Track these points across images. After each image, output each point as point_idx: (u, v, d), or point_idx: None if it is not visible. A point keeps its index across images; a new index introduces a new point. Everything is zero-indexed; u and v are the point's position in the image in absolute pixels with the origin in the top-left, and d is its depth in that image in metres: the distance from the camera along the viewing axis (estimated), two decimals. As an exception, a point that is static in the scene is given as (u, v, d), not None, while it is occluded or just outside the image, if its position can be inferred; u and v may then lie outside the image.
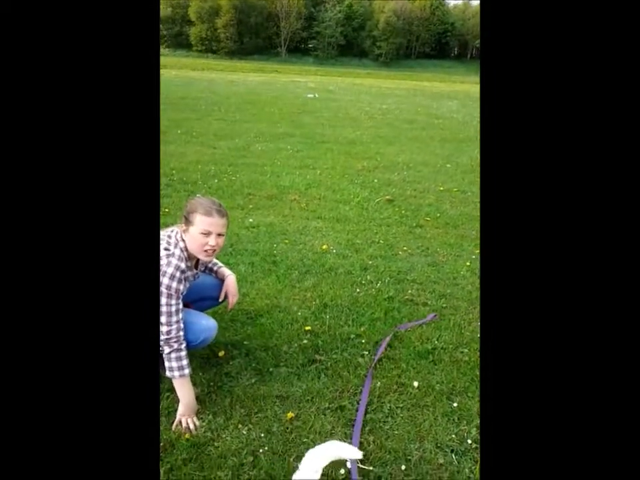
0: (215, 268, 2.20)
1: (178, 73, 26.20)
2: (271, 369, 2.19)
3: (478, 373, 2.27)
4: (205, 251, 1.85)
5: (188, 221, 1.83)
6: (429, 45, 69.08)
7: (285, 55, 65.48)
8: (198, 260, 1.98)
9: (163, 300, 1.74)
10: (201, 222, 1.80)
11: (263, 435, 1.80)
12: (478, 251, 3.86)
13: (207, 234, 1.81)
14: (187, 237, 1.85)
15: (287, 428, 1.84)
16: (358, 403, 1.99)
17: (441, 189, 5.79)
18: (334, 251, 3.70)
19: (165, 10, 62.46)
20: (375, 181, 5.97)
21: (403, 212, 4.80)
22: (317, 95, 17.96)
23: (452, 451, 1.80)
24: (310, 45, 66.69)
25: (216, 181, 5.47)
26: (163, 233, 1.88)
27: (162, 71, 27.31)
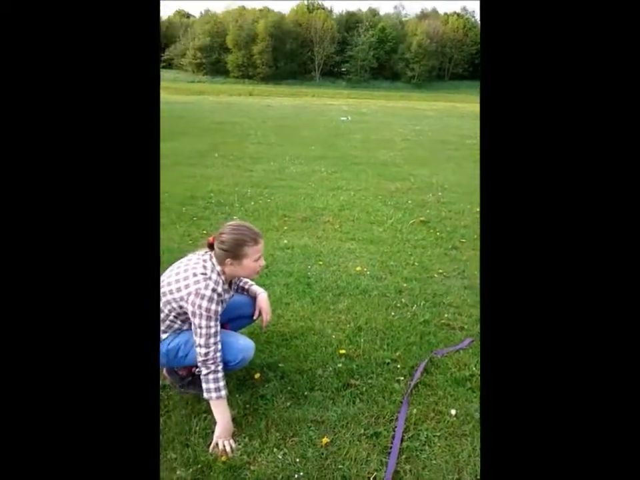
0: (247, 286, 2.24)
1: (216, 98, 27.12)
2: (305, 393, 2.18)
3: (519, 402, 2.19)
4: (257, 272, 2.01)
5: (237, 255, 1.90)
6: (462, 67, 68.94)
7: (318, 79, 66.83)
8: (231, 281, 2.04)
9: (203, 322, 1.78)
10: (253, 252, 1.92)
11: (298, 459, 1.79)
12: (516, 275, 3.76)
13: (259, 259, 1.96)
14: (237, 268, 1.94)
15: (322, 454, 1.82)
16: (394, 430, 1.96)
17: (477, 210, 5.70)
18: (368, 272, 3.69)
19: (204, 39, 65.27)
20: (409, 202, 5.95)
21: (438, 234, 4.75)
22: (349, 118, 18.19)
23: (493, 484, 1.74)
24: (343, 69, 67.83)
25: (252, 203, 5.59)
26: (197, 257, 1.94)
27: (200, 97, 28.35)
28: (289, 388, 2.20)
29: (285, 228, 4.74)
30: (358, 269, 3.74)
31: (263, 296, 2.22)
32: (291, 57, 66.34)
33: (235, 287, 2.18)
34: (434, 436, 1.95)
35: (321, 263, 3.84)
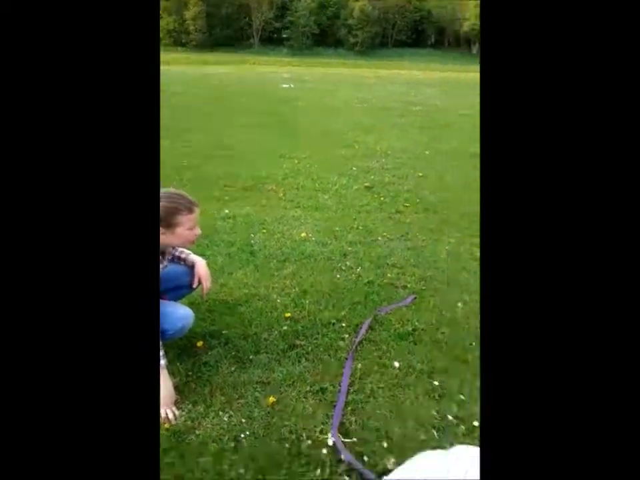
0: (183, 256, 2.17)
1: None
2: (250, 357, 2.17)
3: (457, 353, 2.30)
4: (192, 241, 1.95)
5: (170, 224, 1.82)
6: (406, 33, 68.99)
7: (257, 46, 64.68)
8: (164, 251, 1.97)
9: None
10: (187, 220, 1.86)
11: (243, 420, 1.78)
12: (457, 234, 3.89)
13: (193, 227, 1.90)
14: (170, 237, 1.86)
15: (268, 412, 1.83)
16: (339, 385, 1.99)
17: (420, 175, 5.82)
18: (313, 238, 3.69)
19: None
20: (354, 168, 5.97)
21: (382, 199, 4.81)
22: (292, 86, 17.84)
23: (433, 428, 1.82)
24: (283, 35, 66.00)
25: (189, 173, 5.40)
26: None
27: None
28: (233, 353, 2.18)
29: (227, 198, 4.62)
30: (303, 235, 3.73)
31: (200, 263, 2.16)
32: (226, 22, 63.37)
33: (171, 257, 2.11)
34: (378, 388, 2.01)
35: (264, 231, 3.79)
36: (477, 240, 3.75)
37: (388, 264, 3.29)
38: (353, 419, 1.83)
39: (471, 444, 1.68)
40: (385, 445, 1.71)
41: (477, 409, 1.92)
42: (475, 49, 61.04)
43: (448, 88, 19.72)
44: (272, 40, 66.34)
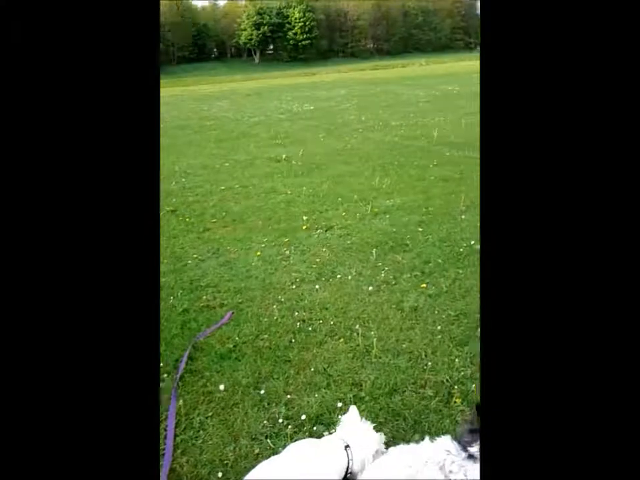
0: None
1: None
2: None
3: (279, 354, 2.37)
4: None
5: None
6: (187, 49, 68.38)
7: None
8: None
9: None
10: None
11: None
12: (265, 239, 4.02)
13: None
14: None
15: None
16: (165, 430, 1.88)
17: (222, 188, 5.84)
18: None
19: None
20: (154, 194, 5.68)
21: (188, 220, 4.69)
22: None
23: (266, 437, 1.85)
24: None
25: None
26: None
27: None
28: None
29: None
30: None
31: None
32: None
33: None
34: (207, 418, 1.96)
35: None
36: (285, 240, 3.95)
37: (202, 285, 3.23)
38: (184, 459, 1.75)
39: (301, 438, 1.76)
40: (220, 474, 1.67)
41: (304, 401, 2.02)
42: (257, 57, 63.65)
43: (237, 98, 20.23)
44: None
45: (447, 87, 17.19)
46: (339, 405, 2.00)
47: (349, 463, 1.50)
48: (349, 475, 1.51)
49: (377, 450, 1.55)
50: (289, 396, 2.09)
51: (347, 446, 1.53)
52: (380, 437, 1.62)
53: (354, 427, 1.60)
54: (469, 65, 31.98)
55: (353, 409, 1.67)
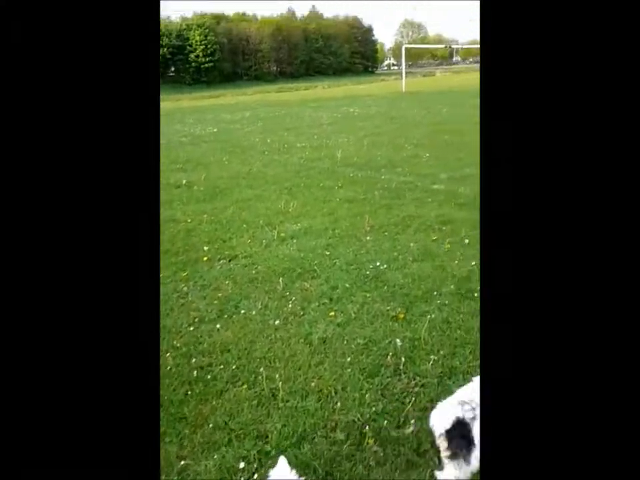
0: None
1: None
2: None
3: (172, 411, 2.09)
4: None
5: None
6: None
7: None
8: None
9: None
10: None
11: None
12: (162, 275, 3.68)
13: None
14: None
15: None
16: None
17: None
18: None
19: None
20: None
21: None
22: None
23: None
24: None
25: None
26: None
27: None
28: None
29: None
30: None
31: None
32: None
33: None
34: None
35: None
36: (184, 274, 3.64)
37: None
38: None
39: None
40: None
41: (202, 465, 1.77)
42: (159, 80, 61.82)
43: None
44: None
45: (349, 108, 17.78)
46: (242, 465, 1.78)
47: None
48: None
49: None
50: (182, 462, 1.82)
51: None
52: None
53: None
54: (366, 87, 33.61)
55: (282, 460, 1.45)
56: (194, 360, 2.49)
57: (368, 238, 4.21)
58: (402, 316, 2.81)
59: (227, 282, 3.49)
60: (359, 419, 1.99)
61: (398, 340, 2.53)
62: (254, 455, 1.83)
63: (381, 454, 1.80)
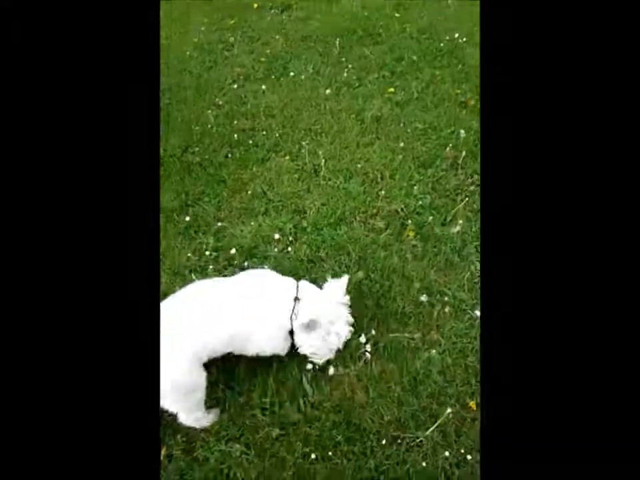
0: None
1: None
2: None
3: (211, 172, 2.02)
4: None
5: None
6: None
7: None
8: None
9: None
10: None
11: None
12: (207, 20, 3.22)
13: None
14: None
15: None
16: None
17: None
18: None
19: None
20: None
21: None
22: None
23: (190, 272, 1.65)
24: None
25: None
26: None
27: None
28: None
29: None
30: None
31: None
32: None
33: None
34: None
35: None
36: (231, 22, 3.17)
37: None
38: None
39: (229, 275, 1.55)
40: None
41: (237, 230, 1.77)
42: None
43: None
44: None
45: None
46: (277, 236, 1.76)
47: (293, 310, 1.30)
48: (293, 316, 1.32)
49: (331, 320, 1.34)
50: (219, 223, 1.82)
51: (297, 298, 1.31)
52: (348, 317, 1.38)
53: (330, 297, 1.35)
54: None
55: (345, 280, 1.37)
56: (236, 122, 2.31)
57: (449, 1, 3.43)
58: (472, 102, 2.42)
59: (277, 37, 3.03)
60: (402, 210, 1.87)
61: (462, 130, 2.21)
62: (290, 228, 1.79)
63: (419, 248, 1.73)
